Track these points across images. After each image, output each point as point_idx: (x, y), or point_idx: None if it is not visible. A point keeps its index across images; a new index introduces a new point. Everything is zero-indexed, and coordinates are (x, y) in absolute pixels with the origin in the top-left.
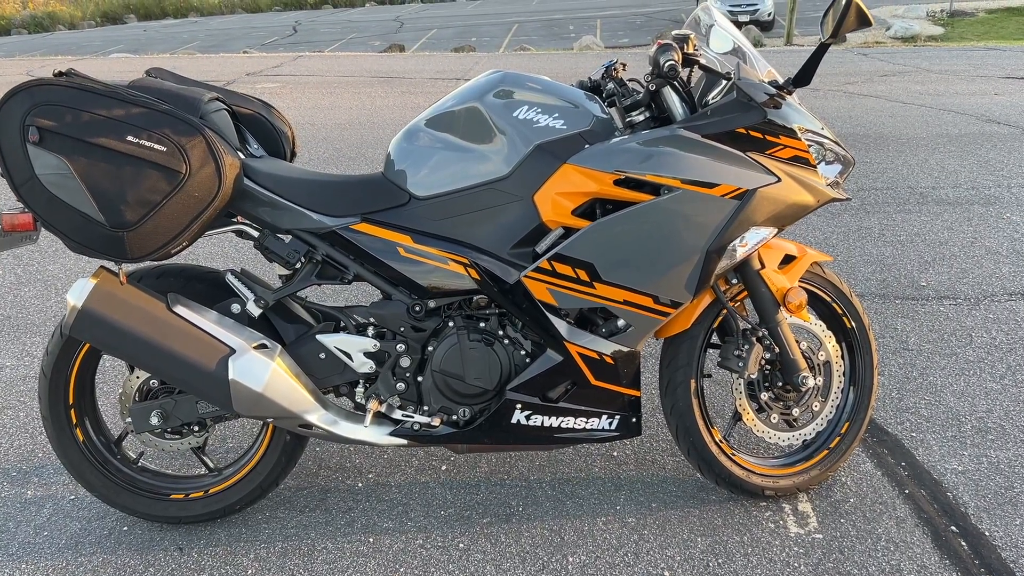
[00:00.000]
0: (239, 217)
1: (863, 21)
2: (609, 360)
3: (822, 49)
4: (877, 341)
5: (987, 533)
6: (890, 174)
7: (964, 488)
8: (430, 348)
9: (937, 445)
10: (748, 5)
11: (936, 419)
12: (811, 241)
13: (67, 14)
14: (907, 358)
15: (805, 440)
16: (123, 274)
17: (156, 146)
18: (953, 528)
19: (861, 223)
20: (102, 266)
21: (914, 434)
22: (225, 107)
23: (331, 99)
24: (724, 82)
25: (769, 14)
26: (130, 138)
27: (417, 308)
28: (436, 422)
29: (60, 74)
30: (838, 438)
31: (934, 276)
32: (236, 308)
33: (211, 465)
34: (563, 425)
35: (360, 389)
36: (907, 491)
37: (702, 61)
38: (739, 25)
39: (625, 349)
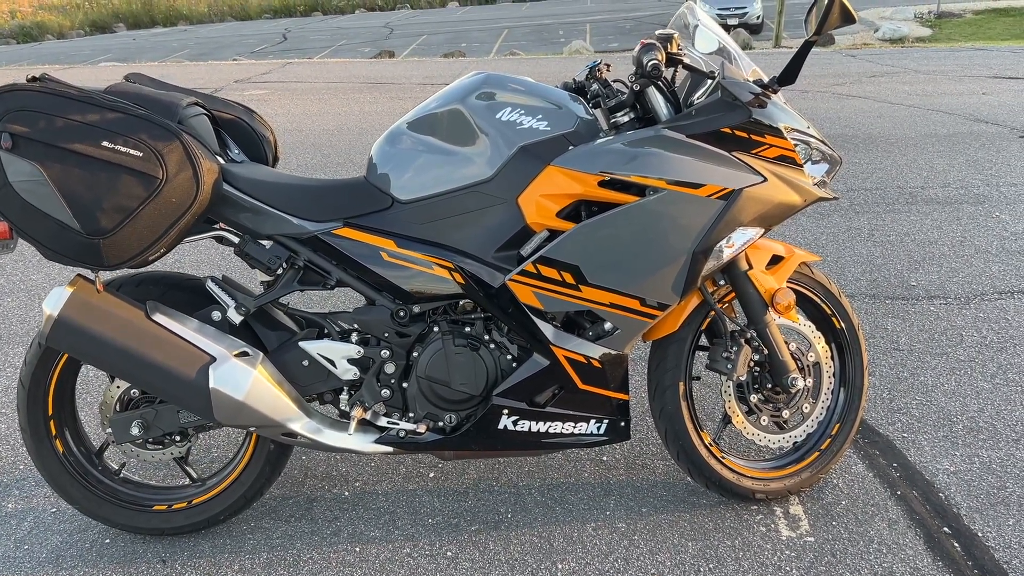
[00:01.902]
0: (219, 223)
1: (847, 18)
2: (596, 364)
3: (806, 47)
4: (867, 341)
5: (980, 534)
6: (879, 174)
7: (956, 489)
8: (415, 354)
9: (929, 445)
10: (737, 8)
11: (927, 419)
12: (800, 242)
13: (56, 24)
14: (898, 358)
15: (796, 442)
16: (100, 282)
17: (132, 151)
18: (946, 529)
19: (850, 223)
20: (79, 274)
21: (906, 435)
22: (205, 112)
23: (320, 105)
24: (709, 82)
25: (758, 17)
26: (105, 143)
27: (401, 313)
28: (422, 429)
29: (34, 79)
30: (829, 440)
31: (924, 276)
32: (217, 315)
33: (194, 475)
34: (551, 430)
35: (344, 396)
36: (899, 492)
37: (686, 61)
38: (728, 28)
39: (612, 352)
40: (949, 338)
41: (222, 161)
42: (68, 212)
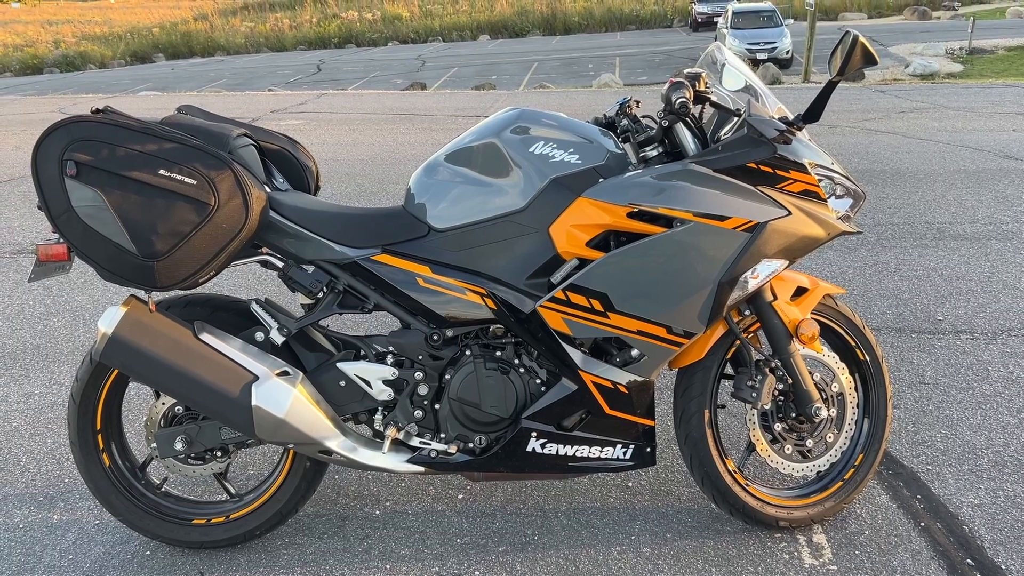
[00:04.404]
0: (264, 248)
1: (869, 59)
2: (623, 389)
3: (830, 86)
4: (893, 374)
5: (1003, 567)
6: (907, 209)
7: (980, 521)
8: (447, 376)
9: (953, 478)
10: (767, 43)
11: (952, 452)
12: (828, 275)
13: (98, 53)
14: (923, 392)
15: (819, 471)
16: (152, 303)
17: (186, 179)
18: (969, 561)
19: (878, 258)
20: (132, 295)
21: (930, 467)
22: (252, 142)
23: (354, 135)
24: (735, 118)
25: (787, 52)
26: (162, 172)
27: (435, 337)
28: (453, 450)
29: (97, 111)
30: (852, 469)
31: (951, 310)
32: (260, 336)
33: (232, 491)
34: (578, 454)
35: (379, 416)
36: (923, 524)
37: (713, 98)
38: (758, 63)
39: (639, 379)
40: (975, 372)
41: (268, 190)
42: (126, 236)
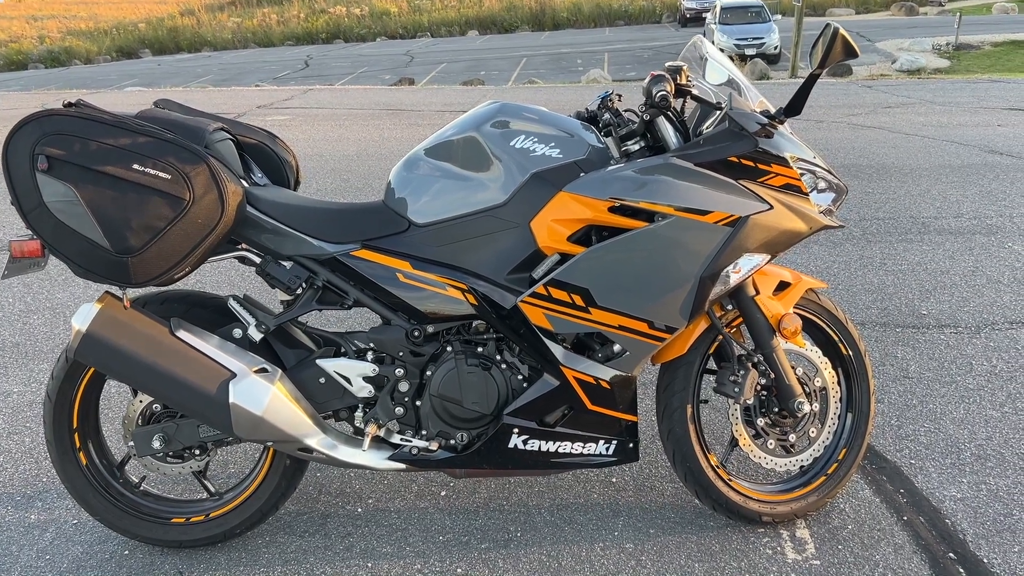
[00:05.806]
0: (242, 244)
1: (849, 52)
2: (606, 385)
3: (811, 79)
4: (877, 369)
5: (985, 560)
6: (892, 204)
7: (963, 515)
8: (428, 373)
9: (936, 472)
10: (755, 39)
11: (935, 446)
12: (812, 270)
13: (83, 49)
14: (907, 386)
15: (802, 466)
16: (127, 299)
17: (160, 174)
18: (951, 555)
19: (863, 252)
20: (107, 291)
21: (913, 461)
22: (230, 137)
23: (340, 131)
24: (717, 112)
25: (775, 47)
26: (135, 166)
27: (416, 333)
28: (434, 446)
29: (69, 105)
30: (836, 464)
31: (935, 305)
32: (238, 333)
33: (212, 489)
34: (560, 450)
35: (359, 413)
36: (905, 518)
37: (695, 92)
38: (746, 58)
39: (621, 374)
40: (959, 367)
41: (246, 184)
42: (99, 231)
